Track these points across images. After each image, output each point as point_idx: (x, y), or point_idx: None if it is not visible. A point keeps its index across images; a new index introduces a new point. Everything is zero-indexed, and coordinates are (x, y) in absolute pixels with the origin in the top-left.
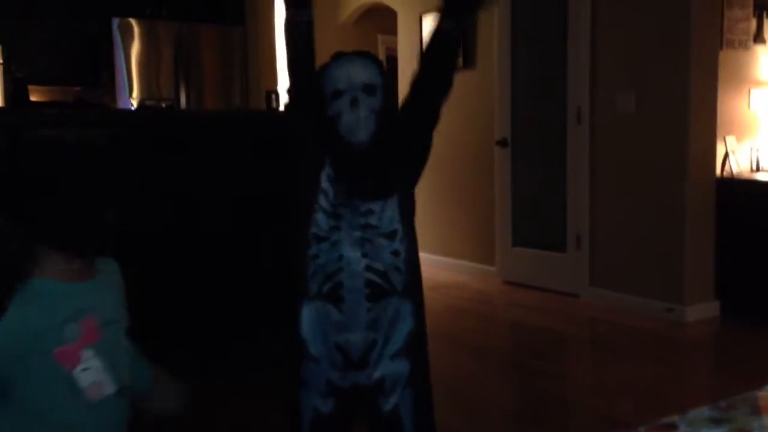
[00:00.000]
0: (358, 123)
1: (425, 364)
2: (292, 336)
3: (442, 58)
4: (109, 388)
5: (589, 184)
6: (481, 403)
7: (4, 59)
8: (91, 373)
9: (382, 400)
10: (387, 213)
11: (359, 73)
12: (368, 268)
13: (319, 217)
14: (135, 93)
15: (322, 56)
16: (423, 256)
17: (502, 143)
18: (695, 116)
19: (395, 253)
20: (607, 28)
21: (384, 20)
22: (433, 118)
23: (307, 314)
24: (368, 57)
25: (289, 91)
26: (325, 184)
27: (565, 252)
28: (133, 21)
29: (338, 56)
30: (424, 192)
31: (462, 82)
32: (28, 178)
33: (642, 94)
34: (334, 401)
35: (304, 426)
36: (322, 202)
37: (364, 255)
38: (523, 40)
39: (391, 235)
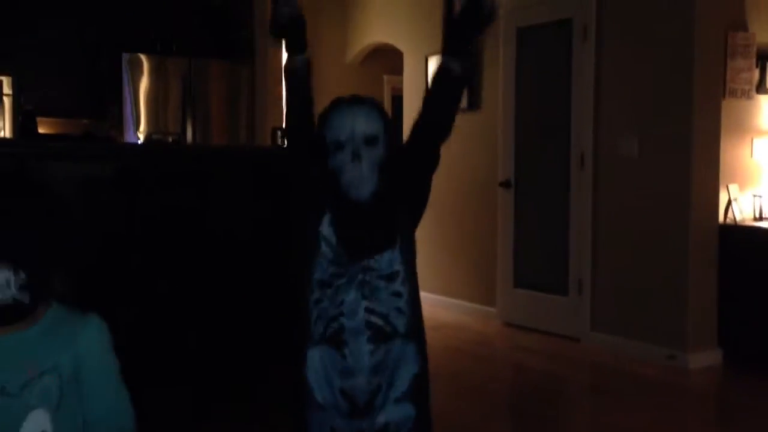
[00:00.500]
0: (360, 179)
1: (428, 407)
2: (297, 382)
3: (443, 96)
4: None
5: (592, 227)
6: None
7: (13, 91)
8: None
9: None
10: (386, 255)
11: (361, 125)
12: (368, 310)
13: (322, 262)
14: (142, 127)
15: (329, 96)
16: (423, 295)
17: (506, 185)
18: (698, 162)
19: (396, 294)
20: (610, 74)
21: (390, 61)
22: (433, 159)
23: (312, 359)
24: (370, 105)
25: (286, 134)
26: (326, 230)
27: (566, 295)
28: (142, 56)
29: (339, 103)
30: (425, 231)
31: (466, 123)
32: None
33: (645, 140)
34: None
35: None
36: (324, 248)
37: (364, 297)
38: (527, 83)
39: (391, 277)
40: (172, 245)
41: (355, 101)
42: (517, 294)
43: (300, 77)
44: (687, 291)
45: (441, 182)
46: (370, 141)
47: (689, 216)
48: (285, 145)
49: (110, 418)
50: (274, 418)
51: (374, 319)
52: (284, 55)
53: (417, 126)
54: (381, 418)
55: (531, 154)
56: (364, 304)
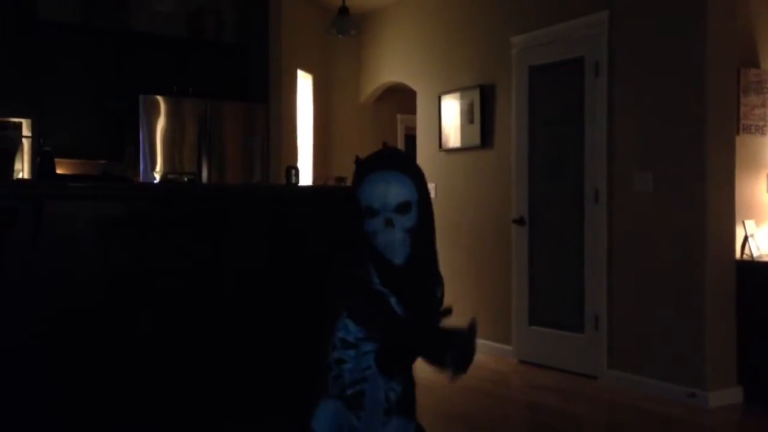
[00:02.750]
0: (393, 244)
1: None
2: (307, 430)
3: None
4: None
5: (607, 264)
6: None
7: (32, 133)
8: None
9: None
10: None
11: (394, 194)
12: (388, 383)
13: (350, 324)
14: (158, 167)
15: (344, 135)
16: None
17: (519, 221)
18: (713, 198)
19: (409, 367)
20: (623, 110)
21: (403, 100)
22: None
23: (325, 411)
24: (405, 172)
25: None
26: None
27: (582, 332)
28: (159, 98)
29: (373, 168)
30: (444, 269)
31: (480, 160)
32: None
33: (659, 175)
34: None
35: None
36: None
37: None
38: (540, 120)
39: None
40: (185, 285)
41: (389, 165)
42: (532, 331)
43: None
44: (705, 327)
45: (455, 220)
46: (402, 209)
47: (706, 251)
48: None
49: None
50: None
51: (391, 393)
52: (298, 95)
53: None
54: None
55: (544, 190)
56: (385, 379)
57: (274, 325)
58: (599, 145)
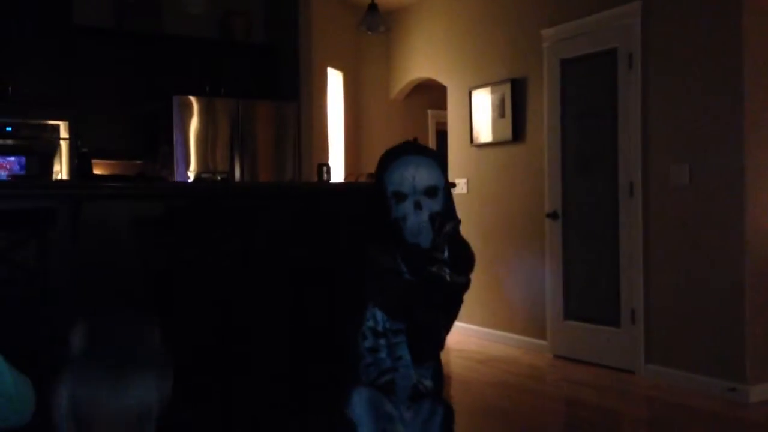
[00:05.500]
0: (420, 227)
1: None
2: (342, 418)
3: None
4: None
5: (643, 257)
6: None
7: (70, 135)
8: None
9: None
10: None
11: (423, 177)
12: (417, 372)
13: (378, 313)
14: (192, 166)
15: (374, 132)
16: (473, 329)
17: (553, 216)
18: (752, 189)
19: (434, 356)
20: (658, 101)
21: (434, 95)
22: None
23: (360, 398)
24: (432, 158)
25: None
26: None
27: (619, 327)
28: (192, 99)
29: (400, 154)
30: (477, 264)
31: (512, 154)
32: None
33: (696, 167)
34: None
35: None
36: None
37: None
38: (572, 114)
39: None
40: (220, 282)
41: (415, 152)
42: (567, 326)
43: None
44: (744, 320)
45: (488, 215)
46: (430, 192)
47: (744, 244)
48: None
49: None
50: None
51: (422, 378)
52: (329, 92)
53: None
54: None
55: (578, 184)
56: (416, 366)
57: (305, 320)
58: (634, 138)
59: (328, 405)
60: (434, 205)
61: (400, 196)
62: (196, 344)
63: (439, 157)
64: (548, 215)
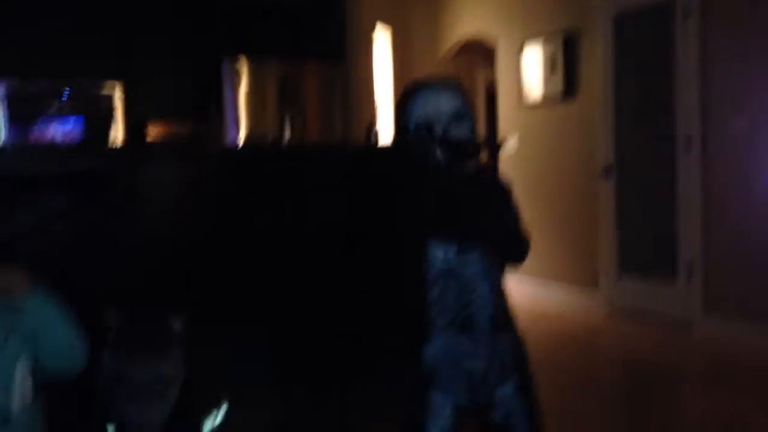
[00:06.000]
0: (449, 157)
1: (530, 380)
2: (418, 366)
3: None
4: None
5: (702, 209)
6: None
7: (124, 98)
8: None
9: (494, 413)
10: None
11: (447, 102)
12: (494, 303)
13: (440, 254)
14: (242, 129)
15: None
16: (525, 281)
17: (607, 171)
18: None
19: (501, 283)
20: (716, 53)
21: (483, 54)
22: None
23: (437, 344)
24: (454, 87)
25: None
26: (436, 223)
27: (675, 279)
28: (242, 60)
29: (422, 87)
30: (526, 217)
31: (563, 110)
32: None
33: (756, 118)
34: (456, 421)
35: None
36: (437, 249)
37: (491, 286)
38: (626, 68)
39: (497, 269)
40: (270, 245)
41: (439, 83)
42: (622, 278)
43: None
44: None
45: (540, 168)
46: (457, 117)
47: None
48: (378, 142)
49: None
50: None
51: (496, 311)
52: (376, 53)
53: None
54: (491, 391)
55: (632, 139)
56: (492, 294)
57: (356, 282)
58: (691, 90)
59: (388, 366)
60: (462, 131)
61: (427, 125)
62: (247, 306)
63: (460, 86)
64: (602, 171)
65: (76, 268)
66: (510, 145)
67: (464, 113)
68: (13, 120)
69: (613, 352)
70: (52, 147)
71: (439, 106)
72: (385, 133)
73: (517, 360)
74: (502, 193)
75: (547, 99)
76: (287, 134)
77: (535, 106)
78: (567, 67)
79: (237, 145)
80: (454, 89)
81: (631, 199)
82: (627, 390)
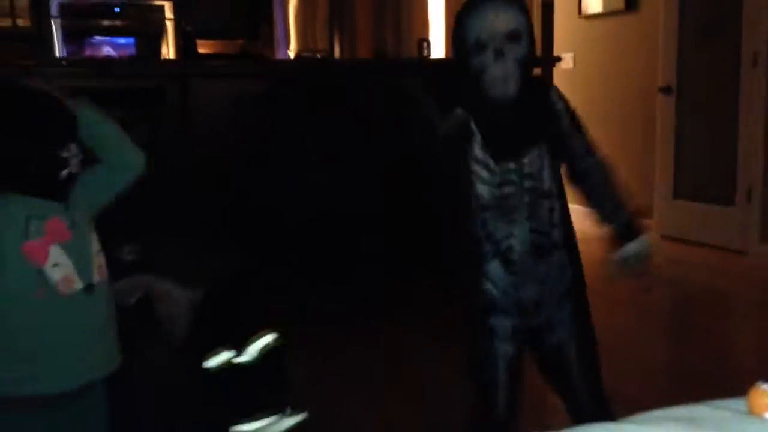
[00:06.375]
0: (505, 76)
1: (585, 304)
2: (476, 292)
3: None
4: (78, 284)
5: (764, 132)
6: (638, 362)
7: (174, 15)
8: (61, 269)
9: (547, 336)
10: (544, 173)
11: (503, 21)
12: (533, 230)
13: (481, 187)
14: (292, 45)
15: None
16: (574, 207)
17: (666, 90)
18: None
19: (551, 210)
20: None
21: None
22: None
23: (490, 272)
24: (514, 3)
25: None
26: (479, 153)
27: (733, 205)
28: None
29: (477, 3)
30: None
31: (623, 25)
32: None
33: None
34: (515, 344)
35: (501, 373)
36: (482, 173)
37: (529, 218)
38: None
39: (548, 194)
40: (320, 158)
41: None
42: (676, 205)
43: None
44: None
45: (596, 89)
46: (513, 37)
47: None
48: (431, 56)
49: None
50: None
51: (538, 237)
52: None
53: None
54: (544, 317)
55: (695, 56)
56: (530, 225)
57: (404, 200)
58: (760, 3)
59: (428, 285)
60: (518, 50)
61: (480, 46)
62: (293, 223)
63: (521, 2)
64: (661, 89)
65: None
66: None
67: (522, 33)
68: (67, 35)
69: (664, 277)
70: (106, 62)
71: (494, 25)
72: (437, 48)
73: (572, 285)
74: (558, 114)
75: (606, 12)
76: (337, 49)
77: (593, 17)
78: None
79: (286, 61)
80: (513, 6)
81: (690, 120)
82: (678, 314)
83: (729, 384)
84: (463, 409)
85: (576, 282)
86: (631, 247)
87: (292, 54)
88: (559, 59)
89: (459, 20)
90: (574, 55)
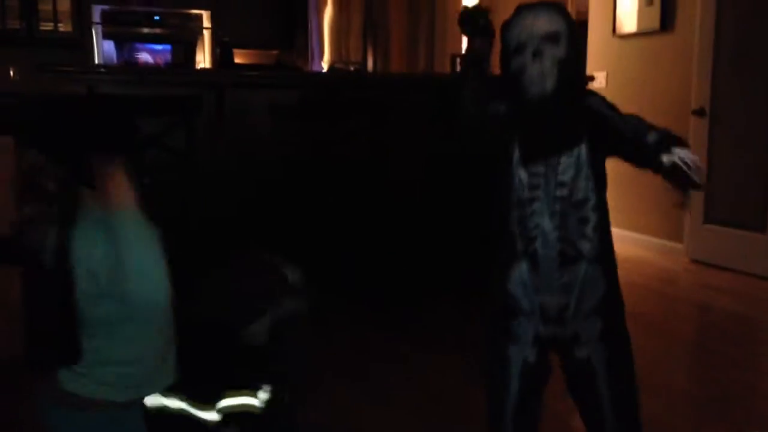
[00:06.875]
0: (542, 75)
1: (620, 321)
2: (501, 293)
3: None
4: None
5: None
6: (665, 387)
7: (212, 25)
8: None
9: (576, 350)
10: (579, 183)
11: (541, 23)
12: (560, 238)
13: (517, 185)
14: (326, 56)
15: (506, 12)
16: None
17: (699, 113)
18: None
19: (583, 220)
20: None
21: None
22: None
23: (516, 271)
24: (551, 5)
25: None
26: (517, 154)
27: (763, 232)
28: None
29: (522, 8)
30: (609, 162)
31: (658, 45)
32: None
33: None
34: (537, 350)
35: (513, 378)
36: (521, 173)
37: (557, 227)
38: (728, 2)
39: (580, 204)
40: (350, 170)
41: (537, 4)
42: (707, 230)
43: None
44: None
45: (628, 109)
46: (551, 38)
47: None
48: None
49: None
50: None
51: (564, 246)
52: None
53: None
54: (570, 330)
55: (729, 79)
56: (557, 233)
57: (438, 211)
58: None
59: (472, 287)
60: (556, 51)
61: (520, 46)
62: (327, 231)
63: (560, 6)
64: (694, 112)
65: (166, 189)
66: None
67: (560, 35)
68: (106, 41)
69: (692, 302)
70: (145, 69)
71: (533, 26)
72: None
73: (603, 301)
74: (596, 112)
75: (641, 32)
76: (371, 62)
77: (628, 36)
78: None
79: (320, 72)
80: (553, 11)
81: (723, 144)
82: (706, 339)
83: (755, 411)
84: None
85: (609, 300)
86: (678, 151)
87: (325, 65)
88: (592, 78)
89: (503, 27)
90: (607, 74)
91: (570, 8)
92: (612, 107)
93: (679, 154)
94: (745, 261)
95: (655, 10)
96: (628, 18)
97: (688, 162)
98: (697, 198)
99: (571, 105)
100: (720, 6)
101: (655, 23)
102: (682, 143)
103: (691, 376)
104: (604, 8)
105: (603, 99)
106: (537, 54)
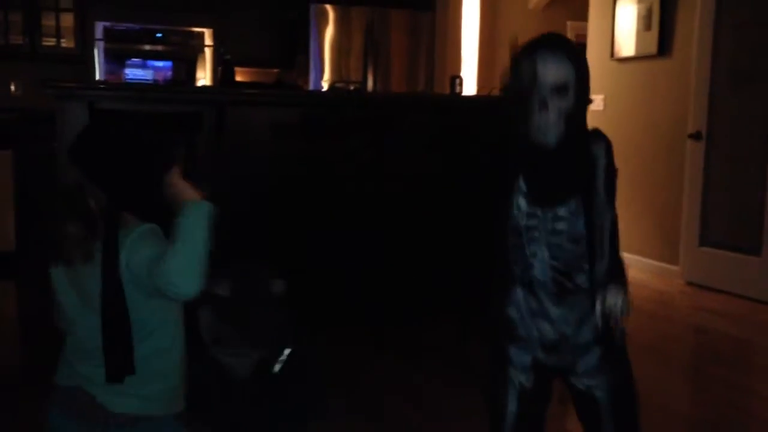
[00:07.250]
0: (546, 126)
1: (621, 351)
2: (500, 317)
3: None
4: None
5: None
6: (660, 408)
7: (214, 42)
8: None
9: (577, 380)
10: (579, 221)
11: (551, 73)
12: (553, 268)
13: (517, 213)
14: (326, 75)
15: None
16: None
17: (696, 136)
18: None
19: (581, 256)
20: None
21: (574, 6)
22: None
23: (515, 297)
24: (563, 51)
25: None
26: (522, 183)
27: (759, 256)
28: (328, 7)
29: (532, 50)
30: None
31: (656, 69)
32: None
33: None
34: (535, 377)
35: (511, 400)
36: (521, 201)
37: (553, 257)
38: (727, 25)
39: (578, 239)
40: (350, 189)
41: (547, 46)
42: (703, 252)
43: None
44: None
45: (625, 132)
46: (559, 90)
47: None
48: (463, 93)
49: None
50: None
51: (559, 277)
52: (465, 3)
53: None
54: (570, 361)
55: (726, 103)
56: (552, 263)
57: (436, 230)
58: None
59: (472, 306)
60: (564, 103)
61: (527, 94)
62: (327, 249)
63: (572, 49)
64: (691, 135)
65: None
66: None
67: (569, 86)
68: (108, 59)
69: (687, 324)
70: (146, 86)
71: (542, 75)
72: (469, 85)
73: (602, 333)
74: (596, 173)
75: (639, 56)
76: (371, 82)
77: (626, 60)
78: (663, 23)
79: (320, 91)
80: (564, 57)
81: (719, 167)
82: (701, 362)
83: None
84: None
85: (610, 330)
86: (610, 298)
87: (325, 85)
88: (590, 101)
89: (512, 64)
90: (605, 97)
91: (569, 33)
92: (609, 166)
93: (608, 302)
94: (740, 284)
95: (653, 34)
96: (627, 42)
97: (613, 309)
98: (693, 220)
99: (575, 154)
100: (717, 31)
101: (653, 47)
102: (619, 282)
103: (686, 398)
104: (603, 32)
105: (607, 149)
106: (543, 105)
